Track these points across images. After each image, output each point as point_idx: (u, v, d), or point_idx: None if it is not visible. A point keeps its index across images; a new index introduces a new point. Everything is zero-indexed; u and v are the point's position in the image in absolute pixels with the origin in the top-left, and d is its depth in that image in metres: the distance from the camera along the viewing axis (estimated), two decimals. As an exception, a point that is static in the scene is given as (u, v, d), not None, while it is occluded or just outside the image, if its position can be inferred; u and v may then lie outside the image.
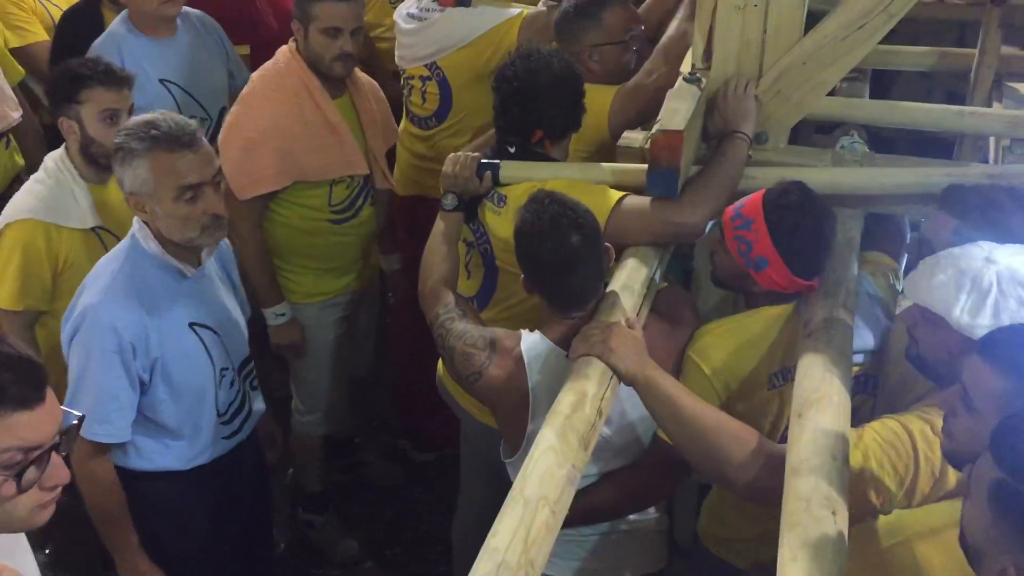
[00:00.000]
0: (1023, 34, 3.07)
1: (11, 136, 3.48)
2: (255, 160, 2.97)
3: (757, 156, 2.46)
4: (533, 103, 2.43)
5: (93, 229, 2.69)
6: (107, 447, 2.34)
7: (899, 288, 2.37)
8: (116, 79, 2.68)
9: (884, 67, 3.19)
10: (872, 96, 3.26)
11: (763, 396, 2.16)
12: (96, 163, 2.68)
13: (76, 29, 3.53)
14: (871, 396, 2.25)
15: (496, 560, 1.47)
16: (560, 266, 2.05)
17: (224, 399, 2.49)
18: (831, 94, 2.99)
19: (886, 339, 2.23)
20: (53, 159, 2.73)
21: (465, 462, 2.85)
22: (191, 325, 2.38)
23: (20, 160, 3.56)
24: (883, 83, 3.83)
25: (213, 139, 3.28)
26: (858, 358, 2.17)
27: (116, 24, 3.35)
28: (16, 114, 3.44)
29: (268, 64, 3.08)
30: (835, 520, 1.54)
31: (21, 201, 2.68)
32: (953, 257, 1.81)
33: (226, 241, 2.63)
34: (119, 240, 2.67)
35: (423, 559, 3.46)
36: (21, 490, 1.42)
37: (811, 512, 1.55)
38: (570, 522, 2.19)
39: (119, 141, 2.24)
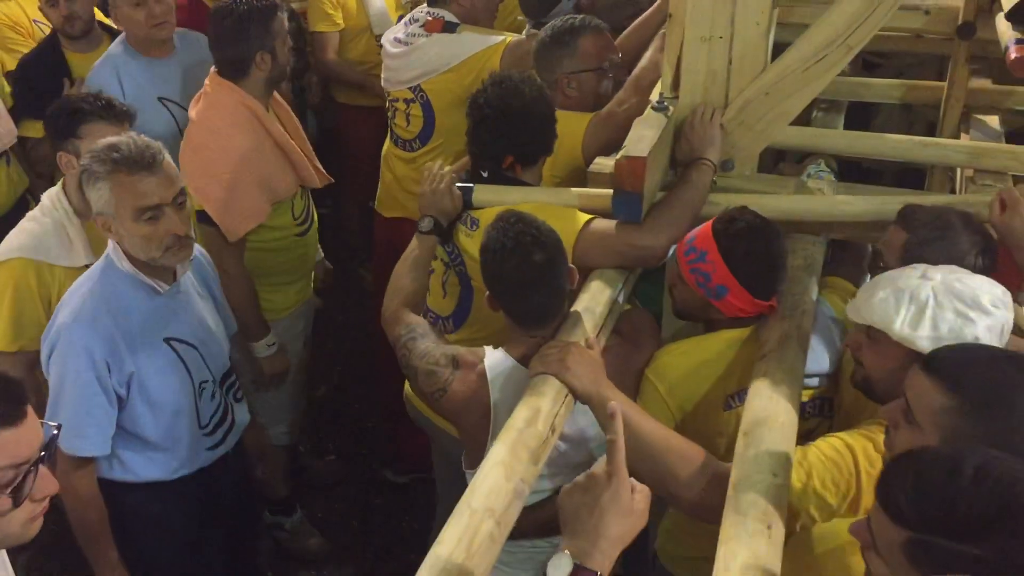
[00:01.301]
0: (996, 67, 3.12)
1: (11, 154, 3.54)
2: (240, 198, 3.00)
3: (723, 183, 2.52)
4: (504, 128, 2.50)
5: (86, 266, 2.66)
6: (88, 461, 2.39)
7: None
8: (116, 113, 2.73)
9: (856, 99, 3.25)
10: (855, 127, 3.34)
11: (720, 417, 2.21)
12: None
13: (39, 71, 3.61)
14: (827, 418, 2.29)
15: (438, 567, 1.52)
16: (522, 283, 2.10)
17: (206, 411, 2.55)
18: (806, 124, 3.07)
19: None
20: (49, 196, 2.77)
21: (440, 477, 2.90)
22: (167, 340, 2.44)
23: (25, 177, 3.63)
24: (867, 115, 3.90)
25: None
26: (813, 381, 2.22)
27: (114, 46, 3.45)
28: (11, 136, 3.50)
29: (206, 103, 3.05)
30: (770, 534, 1.59)
31: (13, 239, 2.71)
32: (890, 278, 1.89)
33: (207, 258, 2.70)
34: None
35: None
36: (16, 504, 1.47)
37: (746, 526, 1.60)
38: (524, 534, 2.26)
39: (84, 163, 2.30)
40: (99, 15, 3.78)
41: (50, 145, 2.84)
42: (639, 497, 1.53)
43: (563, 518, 1.54)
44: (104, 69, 3.39)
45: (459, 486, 2.71)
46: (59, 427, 1.61)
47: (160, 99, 3.40)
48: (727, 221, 2.19)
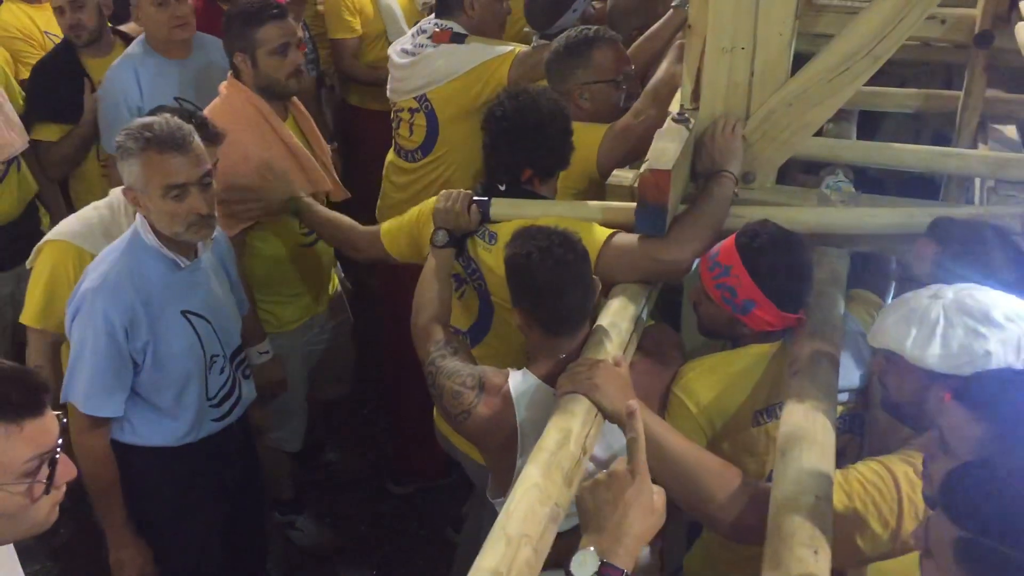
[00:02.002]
0: (1008, 77, 3.10)
1: (21, 159, 3.51)
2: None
3: (744, 195, 2.49)
4: (522, 142, 2.46)
5: None
6: (102, 422, 2.51)
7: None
8: (208, 135, 2.64)
9: (871, 108, 3.23)
10: (860, 136, 3.31)
11: (749, 434, 2.17)
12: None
13: (55, 74, 3.61)
14: (858, 435, 2.26)
15: (478, 599, 1.47)
16: (557, 285, 2.07)
17: (214, 384, 2.65)
18: (818, 134, 3.04)
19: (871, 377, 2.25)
20: (116, 192, 2.76)
21: (474, 505, 2.86)
22: (183, 312, 2.54)
23: (34, 183, 3.61)
24: (871, 124, 3.88)
25: None
26: (844, 396, 2.18)
27: (134, 46, 3.52)
28: (22, 142, 3.47)
29: (216, 103, 3.06)
30: (817, 559, 1.54)
31: (70, 222, 2.79)
32: (903, 300, 1.90)
33: (226, 238, 2.80)
34: None
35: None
36: (47, 492, 1.56)
37: (793, 551, 1.55)
38: (558, 563, 2.20)
39: (120, 140, 2.40)
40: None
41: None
42: (658, 497, 1.55)
43: (584, 515, 1.56)
44: (123, 69, 3.46)
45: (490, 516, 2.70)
46: (66, 418, 1.70)
47: (177, 99, 3.39)
48: (751, 235, 2.16)
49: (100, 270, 2.46)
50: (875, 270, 2.56)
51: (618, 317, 2.19)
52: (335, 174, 3.31)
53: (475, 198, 2.48)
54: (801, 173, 2.94)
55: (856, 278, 2.50)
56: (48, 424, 1.56)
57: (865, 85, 3.40)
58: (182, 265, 2.50)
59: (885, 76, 3.81)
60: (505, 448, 2.10)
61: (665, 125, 2.50)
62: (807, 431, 1.83)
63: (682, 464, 1.86)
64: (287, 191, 2.95)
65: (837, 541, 1.70)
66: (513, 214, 2.45)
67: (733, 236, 2.19)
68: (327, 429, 4.08)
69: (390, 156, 3.63)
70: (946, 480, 1.35)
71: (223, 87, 3.09)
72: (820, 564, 1.54)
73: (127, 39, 3.66)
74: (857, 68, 2.31)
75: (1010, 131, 2.93)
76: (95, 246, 2.66)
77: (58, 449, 1.57)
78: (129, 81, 3.42)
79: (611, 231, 2.37)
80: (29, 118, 3.55)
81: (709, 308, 2.23)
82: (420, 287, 2.44)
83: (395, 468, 3.95)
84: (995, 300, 1.82)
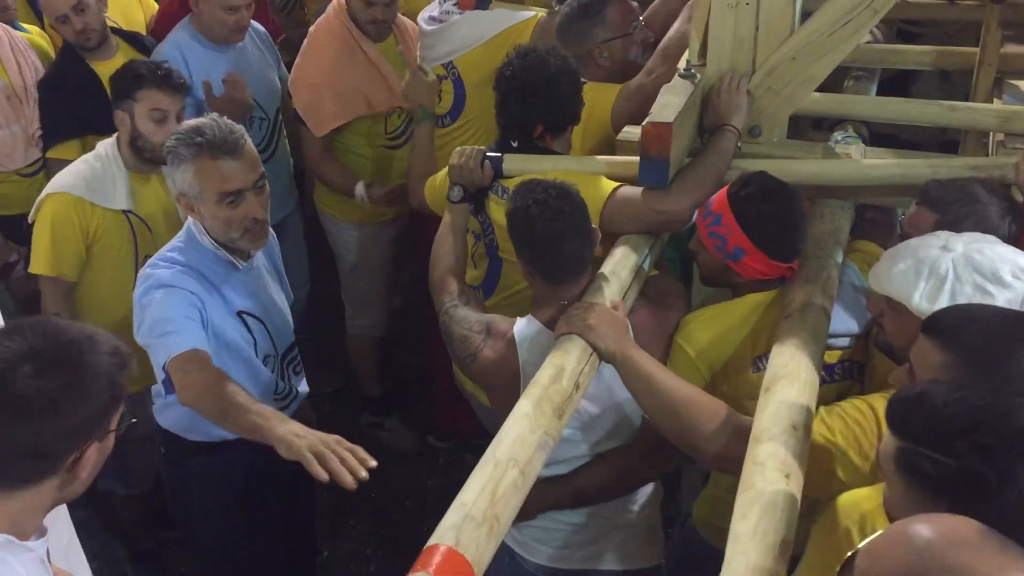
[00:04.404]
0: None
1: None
2: (322, 102, 3.45)
3: (750, 149, 2.54)
4: (532, 99, 2.53)
5: (124, 212, 2.93)
6: (196, 356, 2.27)
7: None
8: (173, 84, 2.93)
9: (887, 66, 3.24)
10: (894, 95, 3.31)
11: (748, 378, 2.23)
12: (140, 155, 2.93)
13: (69, 87, 3.45)
14: (857, 382, 2.31)
15: (463, 513, 1.57)
16: (554, 236, 2.16)
17: (268, 384, 2.60)
18: (836, 90, 3.07)
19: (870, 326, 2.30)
20: (104, 146, 2.97)
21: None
22: (239, 313, 2.51)
23: None
24: (905, 86, 3.88)
25: (271, 136, 3.68)
26: (843, 342, 2.24)
27: (179, 31, 3.54)
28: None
29: (321, 18, 3.54)
30: (787, 482, 1.62)
31: (64, 175, 2.92)
32: (912, 247, 1.91)
33: (273, 234, 2.73)
34: (147, 225, 2.95)
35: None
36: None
37: (765, 475, 1.63)
38: (561, 505, 2.30)
39: (170, 144, 2.36)
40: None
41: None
42: None
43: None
44: (169, 51, 3.47)
45: None
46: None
47: (225, 83, 3.48)
48: (741, 184, 2.22)
49: (163, 275, 2.37)
50: (878, 222, 2.59)
51: (619, 266, 2.28)
52: None
53: (488, 154, 2.58)
54: (813, 130, 2.98)
55: (861, 229, 2.55)
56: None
57: (885, 43, 3.45)
58: (239, 266, 2.47)
59: (923, 38, 3.82)
60: (509, 389, 2.19)
61: (672, 80, 2.57)
62: (791, 370, 1.90)
63: (671, 398, 1.94)
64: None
65: (816, 471, 1.78)
66: (525, 169, 2.54)
67: (727, 186, 2.25)
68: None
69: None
70: (891, 399, 1.43)
71: (330, 7, 3.51)
72: (790, 487, 1.61)
73: (127, 37, 3.60)
74: (858, 21, 2.35)
75: (1025, 86, 2.93)
76: (95, 196, 2.88)
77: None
78: (178, 65, 3.35)
79: (617, 184, 2.44)
80: (47, 138, 3.46)
81: (704, 256, 2.30)
82: (436, 242, 2.55)
83: (437, 424, 4.06)
84: (1004, 255, 1.84)
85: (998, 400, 1.36)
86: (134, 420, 1.68)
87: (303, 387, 2.78)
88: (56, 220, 2.85)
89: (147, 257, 2.86)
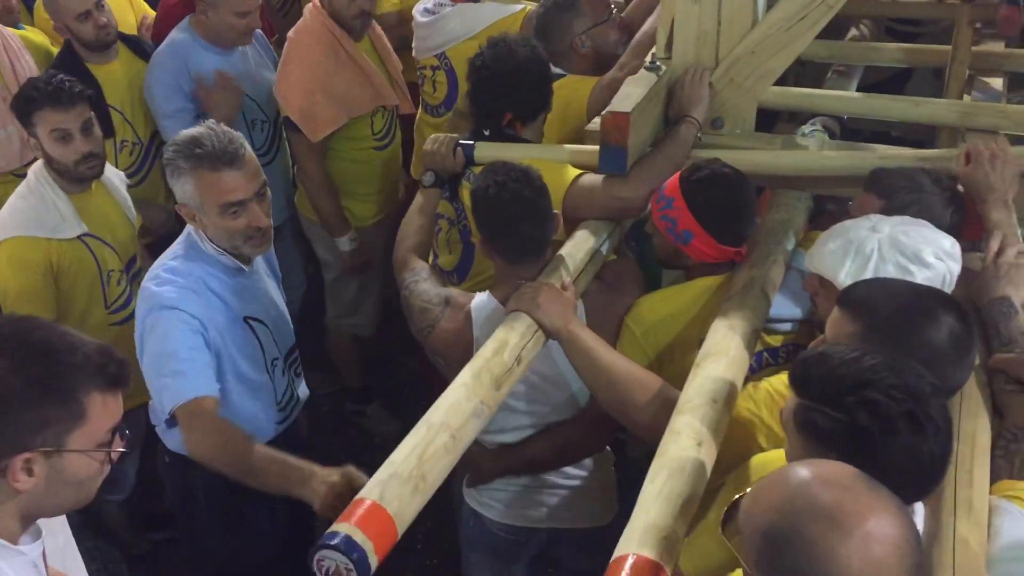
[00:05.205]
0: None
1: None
2: (316, 106, 3.44)
3: (712, 140, 2.63)
4: (500, 88, 2.63)
5: (79, 237, 2.83)
6: (201, 413, 2.28)
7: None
8: (65, 99, 2.73)
9: (866, 62, 3.29)
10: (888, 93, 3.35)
11: (694, 359, 2.32)
12: (64, 177, 2.79)
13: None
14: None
15: (390, 471, 1.69)
16: (512, 215, 2.25)
17: (280, 388, 2.60)
18: (817, 87, 3.14)
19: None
20: (34, 172, 2.82)
21: None
22: (246, 319, 2.48)
23: None
24: (903, 83, 3.93)
25: (272, 139, 3.73)
26: (786, 326, 2.32)
27: (179, 33, 3.51)
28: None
29: (299, 23, 3.54)
30: (699, 450, 1.71)
31: (7, 219, 2.78)
32: (844, 228, 1.99)
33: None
34: (106, 244, 2.92)
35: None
36: (110, 462, 1.60)
37: (679, 443, 1.72)
38: (515, 471, 2.42)
39: (168, 156, 2.31)
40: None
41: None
42: None
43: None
44: (172, 57, 3.46)
45: None
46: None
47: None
48: (693, 169, 2.31)
49: (165, 290, 2.32)
50: (834, 213, 2.66)
51: (575, 248, 2.37)
52: (405, 90, 3.75)
53: (460, 142, 2.68)
54: (785, 123, 3.05)
55: (818, 220, 2.62)
56: (121, 398, 1.59)
57: (863, 40, 3.51)
58: (245, 270, 2.44)
59: (922, 38, 3.86)
60: (463, 361, 2.27)
61: (637, 72, 2.66)
62: (722, 347, 1.99)
63: (609, 373, 2.04)
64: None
65: (738, 440, 1.87)
66: (495, 156, 2.61)
67: (679, 171, 2.34)
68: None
69: (420, 113, 3.85)
70: (794, 362, 1.51)
71: (307, 11, 3.53)
72: (701, 454, 1.70)
73: (127, 41, 3.58)
74: (812, 16, 2.43)
75: (996, 83, 2.98)
76: (46, 230, 2.74)
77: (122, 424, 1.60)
78: (178, 68, 3.44)
79: (580, 172, 2.54)
80: None
81: (658, 239, 2.39)
82: (404, 222, 2.66)
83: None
84: (929, 237, 1.93)
85: (890, 361, 1.44)
86: (125, 451, 1.63)
87: (303, 391, 2.76)
88: (20, 267, 2.70)
89: (111, 273, 2.93)
